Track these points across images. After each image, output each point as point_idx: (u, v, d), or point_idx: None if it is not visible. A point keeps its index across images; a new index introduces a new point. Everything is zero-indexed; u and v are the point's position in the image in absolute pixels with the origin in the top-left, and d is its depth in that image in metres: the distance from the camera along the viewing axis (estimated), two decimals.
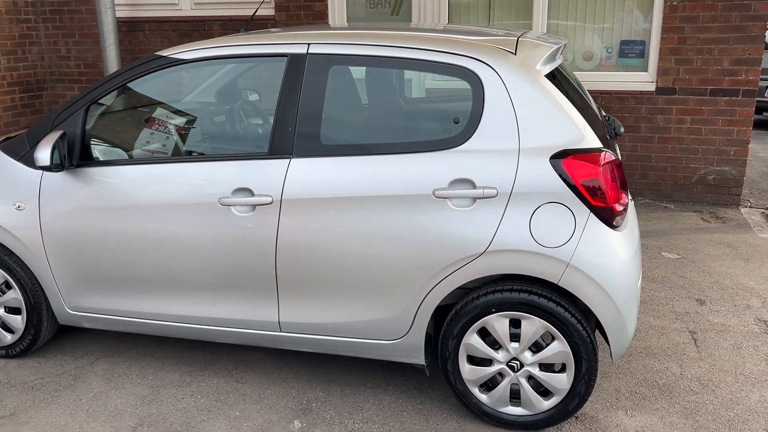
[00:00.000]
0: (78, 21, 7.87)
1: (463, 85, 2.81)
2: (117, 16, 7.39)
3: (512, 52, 2.82)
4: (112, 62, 7.36)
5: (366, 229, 2.84)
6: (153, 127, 3.26)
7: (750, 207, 6.32)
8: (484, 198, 2.71)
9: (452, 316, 2.88)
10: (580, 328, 2.74)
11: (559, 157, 2.67)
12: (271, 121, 2.98)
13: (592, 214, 2.66)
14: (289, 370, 3.46)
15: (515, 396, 2.92)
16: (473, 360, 2.93)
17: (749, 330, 3.83)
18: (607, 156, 2.70)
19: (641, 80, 6.31)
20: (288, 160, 2.93)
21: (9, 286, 3.47)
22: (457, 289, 2.85)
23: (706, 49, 6.03)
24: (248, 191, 2.96)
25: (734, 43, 5.97)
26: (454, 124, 2.80)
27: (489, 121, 2.74)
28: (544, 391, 2.89)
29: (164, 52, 3.17)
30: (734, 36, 5.96)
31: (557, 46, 3.11)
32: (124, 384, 3.36)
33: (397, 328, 2.94)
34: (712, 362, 3.49)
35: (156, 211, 3.08)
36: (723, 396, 3.19)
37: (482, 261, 2.73)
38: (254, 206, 2.95)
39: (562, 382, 2.82)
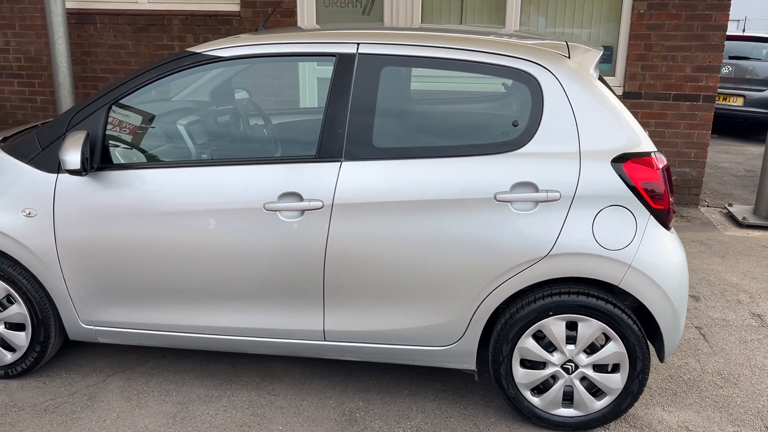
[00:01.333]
0: (19, 11, 7.34)
1: (519, 87, 2.80)
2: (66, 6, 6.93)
3: (567, 56, 2.83)
4: (62, 57, 6.91)
5: (422, 234, 2.78)
6: (186, 128, 3.06)
7: (707, 206, 6.66)
8: (547, 201, 2.70)
9: (506, 321, 2.86)
10: (636, 329, 2.79)
11: (619, 161, 2.70)
12: (319, 123, 2.86)
13: (651, 216, 2.71)
14: (321, 379, 3.35)
15: (567, 398, 2.94)
16: (526, 363, 2.92)
17: (748, 324, 4.02)
18: (661, 159, 2.76)
19: (610, 85, 6.52)
20: (338, 164, 2.82)
21: (11, 300, 3.18)
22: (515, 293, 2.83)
23: (671, 56, 6.31)
24: (297, 196, 2.83)
25: (696, 51, 6.28)
26: (513, 127, 2.78)
27: (548, 124, 2.74)
28: (595, 392, 2.92)
29: (198, 49, 2.99)
30: (696, 44, 6.27)
31: (601, 53, 3.15)
32: (147, 402, 3.14)
33: (450, 334, 2.90)
34: (726, 356, 3.64)
35: (191, 217, 2.90)
36: (746, 388, 3.34)
37: (544, 264, 2.73)
38: (303, 211, 2.83)
39: (615, 382, 2.86)
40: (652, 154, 2.73)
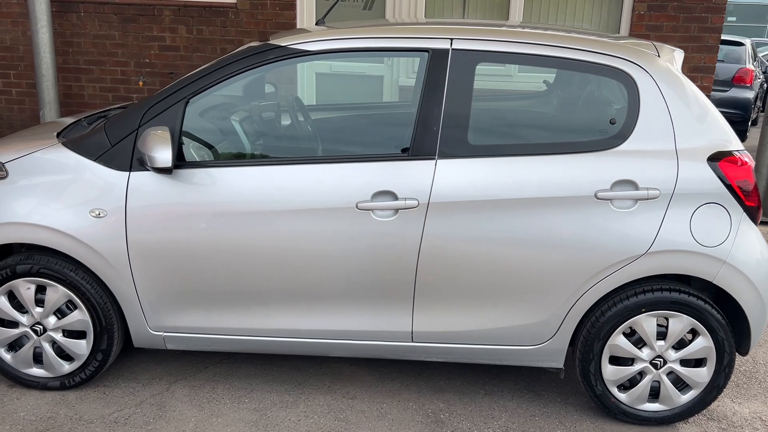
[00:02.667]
0: None
1: (614, 85, 2.81)
2: None
3: (657, 55, 2.86)
4: (45, 47, 6.56)
5: (520, 232, 2.76)
6: (269, 124, 2.94)
7: None
8: (647, 199, 2.72)
9: (598, 318, 2.87)
10: (724, 323, 2.84)
11: (714, 159, 2.74)
12: (407, 118, 2.79)
13: (744, 213, 2.77)
14: (392, 381, 3.29)
15: (653, 393, 2.97)
16: (614, 360, 2.94)
17: None
18: (749, 157, 2.82)
19: None
20: (433, 162, 2.77)
21: (71, 307, 2.98)
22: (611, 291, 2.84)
23: None
24: (391, 194, 2.76)
25: (692, 52, 6.47)
26: (611, 124, 2.79)
27: (645, 122, 2.76)
28: (680, 386, 2.97)
29: (282, 42, 2.87)
30: (692, 45, 6.46)
31: (683, 54, 3.19)
32: (221, 410, 3.01)
33: (542, 332, 2.89)
34: None
35: (277, 217, 2.78)
36: None
37: (642, 262, 2.75)
38: (397, 210, 2.76)
39: (702, 376, 2.92)
40: (742, 153, 2.79)
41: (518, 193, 2.74)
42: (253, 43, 3.39)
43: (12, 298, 2.99)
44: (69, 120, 3.47)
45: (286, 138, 2.93)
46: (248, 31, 6.74)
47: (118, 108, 3.88)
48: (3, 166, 2.93)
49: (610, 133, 2.79)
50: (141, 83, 7.00)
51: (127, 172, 2.83)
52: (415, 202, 2.74)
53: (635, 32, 6.44)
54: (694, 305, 2.82)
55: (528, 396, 3.21)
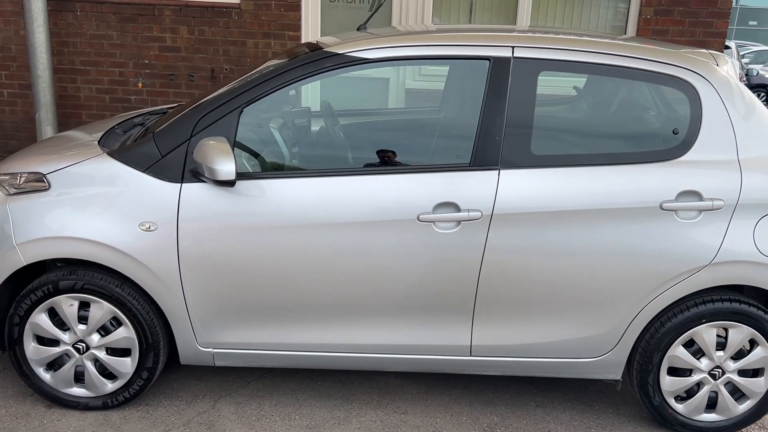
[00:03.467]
0: None
1: (675, 95, 2.79)
2: None
3: (716, 65, 2.84)
4: (41, 47, 6.35)
5: (583, 243, 2.72)
6: (325, 134, 2.85)
7: None
8: (711, 210, 2.71)
9: (657, 329, 2.85)
10: None
11: None
12: (464, 128, 2.74)
13: None
14: (440, 394, 3.23)
15: (710, 403, 2.96)
16: (672, 371, 2.92)
17: None
18: None
19: None
20: (496, 172, 2.71)
21: (115, 324, 2.86)
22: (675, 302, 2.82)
23: None
24: (453, 206, 2.70)
25: None
26: (673, 134, 2.77)
27: (708, 131, 2.74)
28: (737, 396, 2.96)
29: (338, 49, 2.78)
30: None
31: (738, 63, 3.18)
32: (273, 427, 2.92)
33: (603, 344, 2.86)
34: None
35: (334, 229, 2.70)
36: None
37: (706, 273, 2.73)
38: (459, 222, 2.70)
39: (760, 385, 2.91)
40: None
41: (582, 204, 2.70)
42: (298, 47, 3.30)
43: (52, 315, 2.85)
44: (76, 133, 3.33)
45: (341, 148, 2.84)
46: (252, 32, 6.61)
47: (147, 113, 3.75)
48: (45, 177, 2.80)
49: (673, 143, 2.76)
50: (140, 85, 6.82)
51: (179, 184, 2.72)
52: (479, 214, 2.69)
53: (642, 36, 6.47)
54: (754, 315, 2.81)
55: (580, 407, 3.18)
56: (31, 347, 2.87)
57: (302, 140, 2.90)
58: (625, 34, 6.62)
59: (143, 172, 2.73)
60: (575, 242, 2.72)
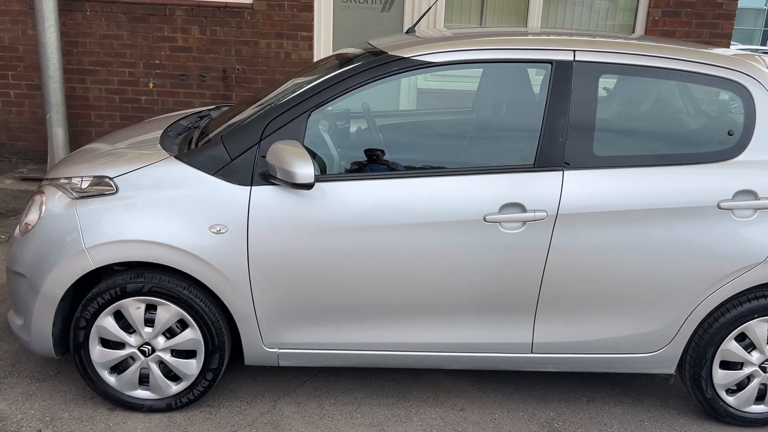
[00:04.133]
0: None
1: (730, 97, 2.89)
2: None
3: (767, 68, 2.94)
4: (52, 47, 6.29)
5: (644, 242, 2.80)
6: (390, 136, 2.89)
7: None
8: (766, 208, 2.80)
9: (711, 324, 2.94)
10: None
11: None
12: (536, 130, 2.80)
13: None
14: (493, 391, 3.29)
15: (760, 395, 3.06)
16: (723, 365, 3.02)
17: None
18: None
19: None
20: (560, 173, 2.78)
21: (181, 326, 2.88)
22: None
23: None
24: (519, 206, 2.76)
25: None
26: (728, 135, 2.86)
27: (761, 132, 2.84)
28: None
29: (405, 53, 2.83)
30: None
31: None
32: (338, 426, 2.96)
33: (659, 340, 2.95)
34: None
35: (401, 230, 2.75)
36: None
37: (761, 269, 2.83)
38: (525, 222, 2.77)
39: None
40: None
41: (642, 204, 2.78)
42: (349, 50, 3.33)
43: (118, 318, 2.86)
44: (100, 146, 3.33)
45: (406, 149, 2.89)
46: (264, 33, 6.62)
47: (193, 114, 3.76)
48: (112, 180, 2.80)
49: (729, 143, 2.86)
50: (151, 85, 6.79)
51: (249, 187, 2.74)
52: (544, 214, 2.76)
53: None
54: None
55: (629, 401, 3.27)
56: (96, 350, 2.87)
57: (367, 142, 2.93)
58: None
59: (213, 175, 2.76)
60: (635, 241, 2.80)
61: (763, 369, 3.00)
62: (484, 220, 2.75)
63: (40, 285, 2.79)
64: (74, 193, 2.83)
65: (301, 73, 3.45)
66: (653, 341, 2.95)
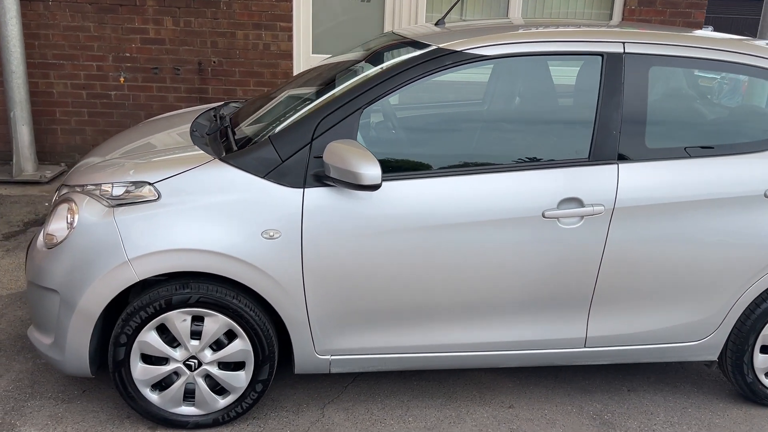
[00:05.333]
0: None
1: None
2: None
3: None
4: (14, 40, 5.92)
5: (696, 233, 2.83)
6: (444, 133, 2.81)
7: None
8: None
9: (752, 310, 3.00)
10: None
11: None
12: (589, 123, 2.78)
13: None
14: (536, 386, 3.28)
15: None
16: (763, 349, 3.10)
17: None
18: None
19: None
20: (615, 166, 2.77)
21: (229, 337, 2.73)
22: None
23: None
24: (577, 201, 2.74)
25: None
26: None
27: None
28: None
29: (456, 47, 2.75)
30: None
31: None
32: (392, 430, 2.88)
33: (706, 328, 2.99)
34: None
35: (459, 229, 2.69)
36: None
37: None
38: (582, 217, 2.75)
39: None
40: None
41: (693, 195, 2.80)
42: (379, 39, 3.23)
43: (161, 332, 2.69)
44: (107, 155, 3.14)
45: (457, 146, 2.81)
46: (241, 23, 6.40)
47: (204, 113, 3.58)
48: (153, 186, 2.62)
49: None
50: (122, 79, 6.47)
51: (301, 189, 2.62)
52: (602, 208, 2.74)
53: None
54: None
55: (667, 389, 3.31)
56: (138, 367, 2.70)
57: (420, 140, 2.84)
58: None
59: (263, 178, 2.62)
60: (686, 232, 2.82)
61: None
62: (543, 216, 2.72)
63: (76, 301, 2.59)
64: (109, 201, 2.64)
65: (326, 68, 3.32)
66: (701, 329, 2.99)
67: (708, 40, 2.93)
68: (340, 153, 2.49)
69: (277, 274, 2.63)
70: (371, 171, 2.44)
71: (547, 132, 2.86)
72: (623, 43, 2.82)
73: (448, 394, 3.18)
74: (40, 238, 2.76)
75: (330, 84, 3.01)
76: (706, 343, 3.03)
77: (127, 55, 6.42)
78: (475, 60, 2.74)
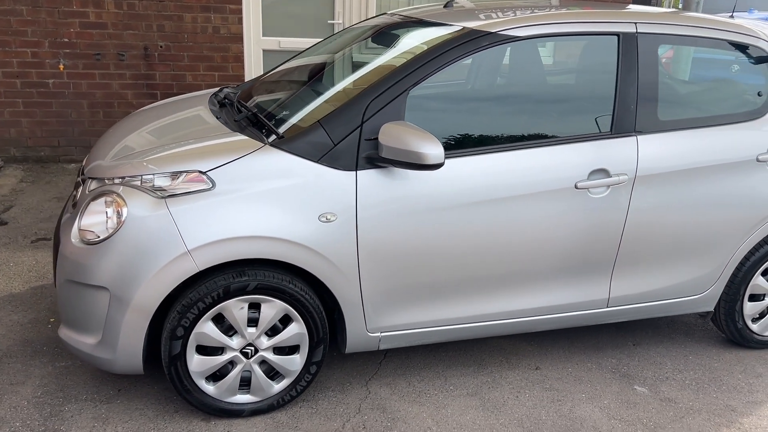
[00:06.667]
0: None
1: (754, 62, 3.26)
2: None
3: None
4: None
5: (701, 196, 3.12)
6: (481, 112, 2.92)
7: None
8: None
9: (743, 264, 3.35)
10: None
11: None
12: (610, 98, 2.99)
13: None
14: (554, 347, 3.50)
15: None
16: (751, 298, 3.46)
17: None
18: None
19: None
20: (634, 137, 3.00)
21: (283, 321, 2.76)
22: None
23: None
24: (604, 172, 2.95)
25: None
26: (758, 96, 3.24)
27: None
28: None
29: (491, 28, 2.86)
30: None
31: None
32: (441, 400, 3.01)
33: (708, 282, 3.31)
34: None
35: (501, 204, 2.83)
36: None
37: None
38: (609, 186, 2.97)
39: None
40: None
41: (700, 161, 3.09)
42: (378, 19, 3.30)
43: (217, 321, 2.67)
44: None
45: (498, 124, 2.91)
46: (189, 6, 6.20)
47: (206, 96, 3.50)
48: (205, 175, 2.58)
49: (758, 104, 3.23)
50: (61, 66, 6.11)
51: (353, 172, 2.67)
52: (626, 177, 2.97)
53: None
54: None
55: (667, 342, 3.64)
56: (195, 359, 2.67)
57: (460, 119, 2.93)
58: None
59: (317, 162, 2.64)
60: (695, 195, 3.10)
61: None
62: (576, 187, 2.91)
63: (130, 296, 2.52)
64: (159, 193, 2.57)
65: (341, 42, 3.37)
66: (704, 283, 3.30)
67: (704, 20, 3.21)
68: (398, 134, 2.56)
69: (334, 257, 2.67)
70: (435, 150, 2.52)
71: (575, 108, 3.05)
72: (635, 23, 3.04)
73: (478, 362, 3.33)
74: (73, 234, 2.65)
75: (357, 66, 3.05)
76: (707, 295, 3.35)
77: (66, 40, 6.07)
78: (510, 40, 2.87)
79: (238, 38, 6.40)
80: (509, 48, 3.00)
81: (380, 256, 2.73)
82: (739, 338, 3.54)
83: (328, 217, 2.63)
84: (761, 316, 3.53)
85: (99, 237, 2.58)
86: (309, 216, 2.62)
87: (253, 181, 2.59)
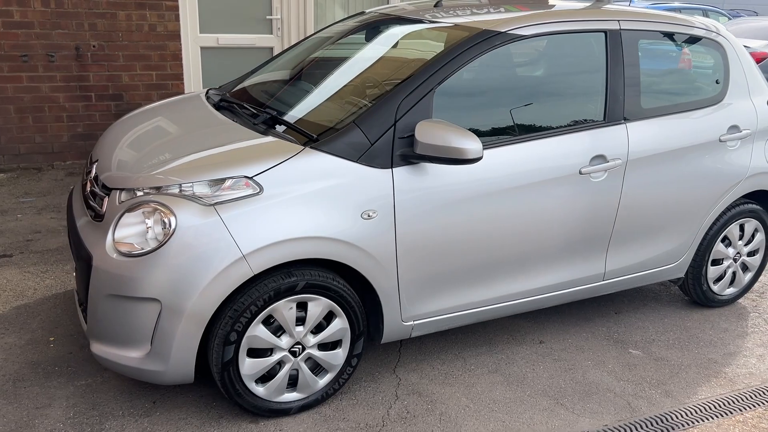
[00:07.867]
0: None
1: (711, 53, 3.67)
2: None
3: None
4: None
5: (679, 174, 3.49)
6: (497, 106, 3.10)
7: None
8: (744, 138, 3.68)
9: (707, 232, 3.77)
10: None
11: None
12: (601, 90, 3.28)
13: None
14: (548, 321, 3.79)
15: (732, 279, 4.02)
16: (713, 262, 3.91)
17: None
18: None
19: None
20: (623, 125, 3.32)
21: (330, 317, 2.84)
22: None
23: None
24: (602, 158, 3.24)
25: None
26: (716, 84, 3.65)
27: (733, 81, 3.69)
28: (745, 272, 4.07)
29: (500, 28, 3.05)
30: None
31: None
32: (467, 379, 3.20)
33: (682, 250, 3.70)
34: None
35: (519, 191, 3.05)
36: None
37: (744, 184, 3.72)
38: (606, 171, 3.26)
39: (758, 261, 4.06)
40: None
41: (676, 144, 3.45)
42: (363, 15, 3.43)
43: (266, 323, 2.72)
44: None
45: (511, 118, 3.10)
46: (123, 3, 5.98)
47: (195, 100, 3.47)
48: (252, 180, 2.61)
49: (716, 90, 3.65)
50: None
51: (389, 169, 2.78)
52: (620, 161, 3.27)
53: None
54: (759, 211, 3.90)
55: (642, 309, 4.02)
56: (246, 363, 2.70)
57: (479, 114, 3.10)
58: None
59: (356, 162, 2.73)
60: (674, 174, 3.47)
61: (735, 259, 3.95)
62: (579, 172, 3.17)
63: (184, 306, 2.52)
64: (207, 200, 2.57)
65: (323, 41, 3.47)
66: (678, 252, 3.69)
67: (674, 18, 3.57)
68: (436, 132, 2.70)
69: (376, 251, 2.78)
70: (475, 145, 2.69)
71: (574, 100, 3.31)
72: (618, 21, 3.34)
73: (488, 341, 3.55)
74: (108, 247, 2.60)
75: (362, 65, 3.18)
76: (680, 263, 3.74)
77: None
78: (516, 39, 3.07)
79: (176, 36, 6.24)
80: (516, 46, 3.19)
81: (416, 247, 2.87)
82: (703, 299, 3.98)
83: (370, 213, 2.74)
84: (720, 278, 3.98)
85: (142, 249, 2.54)
86: (353, 214, 2.71)
87: (298, 183, 2.65)
